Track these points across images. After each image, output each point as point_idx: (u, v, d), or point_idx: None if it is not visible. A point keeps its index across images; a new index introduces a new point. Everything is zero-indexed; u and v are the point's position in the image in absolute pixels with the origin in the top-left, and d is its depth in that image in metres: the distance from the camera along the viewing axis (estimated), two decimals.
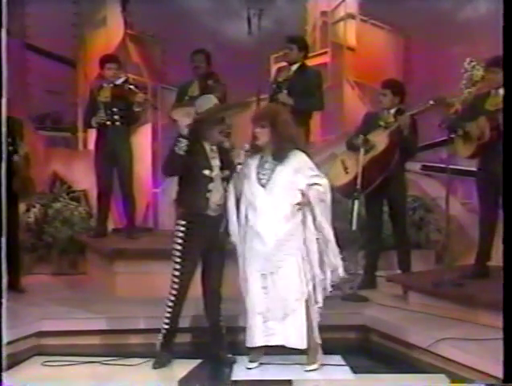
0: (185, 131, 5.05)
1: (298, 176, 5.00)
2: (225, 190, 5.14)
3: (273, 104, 6.54)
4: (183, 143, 5.02)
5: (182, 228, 5.15)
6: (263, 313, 4.95)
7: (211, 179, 5.11)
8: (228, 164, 5.17)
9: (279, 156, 5.01)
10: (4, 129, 4.52)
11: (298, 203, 4.94)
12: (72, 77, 9.28)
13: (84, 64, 9.14)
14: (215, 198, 5.12)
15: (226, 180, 5.15)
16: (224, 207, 5.12)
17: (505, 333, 4.10)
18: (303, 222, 5.00)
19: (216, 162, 5.17)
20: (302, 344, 4.97)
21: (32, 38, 9.10)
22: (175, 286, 5.15)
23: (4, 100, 4.46)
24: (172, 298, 5.17)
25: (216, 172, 5.14)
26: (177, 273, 5.14)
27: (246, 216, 5.01)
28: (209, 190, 5.10)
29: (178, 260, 5.14)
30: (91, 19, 9.27)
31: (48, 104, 9.47)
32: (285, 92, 6.89)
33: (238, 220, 5.06)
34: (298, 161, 5.04)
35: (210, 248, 5.16)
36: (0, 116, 4.45)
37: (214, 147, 5.20)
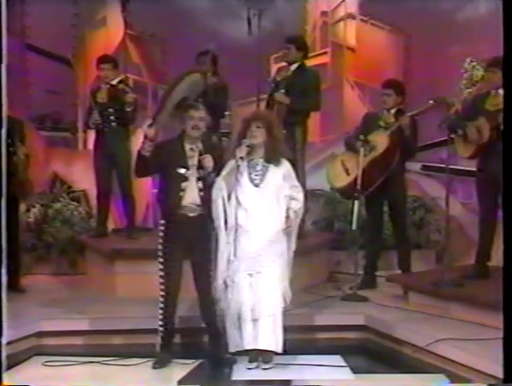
0: (149, 132, 5.09)
1: (284, 183, 5.06)
2: (201, 190, 5.10)
3: (265, 110, 6.56)
4: (147, 144, 5.06)
5: (162, 228, 5.19)
6: (249, 314, 4.93)
7: (185, 178, 5.10)
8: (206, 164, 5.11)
9: (273, 158, 5.06)
10: (4, 129, 4.50)
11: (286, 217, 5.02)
12: (71, 77, 9.28)
13: (83, 64, 9.14)
14: (189, 197, 5.10)
15: (202, 180, 5.10)
16: (205, 206, 5.07)
17: (505, 333, 4.10)
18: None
19: (193, 162, 5.14)
20: (278, 347, 4.94)
21: (32, 38, 9.10)
22: (162, 287, 5.17)
23: (4, 100, 4.45)
24: (162, 299, 5.18)
25: (191, 171, 5.12)
26: (162, 274, 5.17)
27: (235, 216, 4.98)
28: (182, 189, 5.09)
29: (161, 260, 5.17)
30: (91, 19, 9.28)
31: (48, 105, 9.47)
32: (282, 91, 6.90)
33: (225, 219, 5.01)
34: (286, 168, 5.11)
35: (194, 249, 5.15)
36: (0, 115, 4.44)
37: (194, 146, 5.17)
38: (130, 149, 7.44)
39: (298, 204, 5.07)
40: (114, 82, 7.42)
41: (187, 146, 5.18)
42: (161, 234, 5.18)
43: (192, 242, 5.12)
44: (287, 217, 5.01)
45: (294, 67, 7.05)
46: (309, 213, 7.14)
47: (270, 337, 4.92)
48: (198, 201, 5.11)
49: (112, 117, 7.33)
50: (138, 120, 7.50)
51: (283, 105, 6.79)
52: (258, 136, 5.03)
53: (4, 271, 4.32)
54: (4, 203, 4.42)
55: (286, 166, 5.12)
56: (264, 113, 5.40)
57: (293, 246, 5.12)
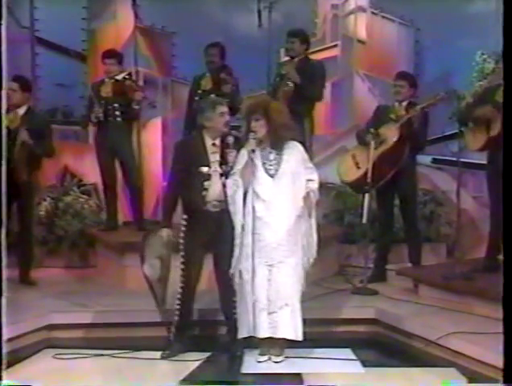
0: None
1: (300, 168, 5.04)
2: (224, 186, 5.08)
3: (262, 96, 6.50)
4: None
5: (184, 222, 5.20)
6: (266, 304, 4.95)
7: (208, 176, 5.10)
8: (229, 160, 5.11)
9: (278, 145, 5.02)
10: (4, 130, 4.50)
11: (306, 197, 4.98)
12: (82, 71, 9.29)
13: (94, 58, 9.13)
14: (212, 195, 5.10)
15: (225, 175, 5.08)
16: (226, 201, 5.04)
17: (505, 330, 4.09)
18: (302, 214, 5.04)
19: (216, 157, 5.14)
20: (298, 336, 4.97)
21: (42, 31, 9.11)
22: (181, 279, 5.22)
23: (4, 98, 4.44)
24: (179, 290, 5.24)
25: (214, 168, 5.12)
26: (182, 266, 5.21)
27: (253, 208, 4.97)
28: (205, 189, 5.09)
29: (181, 253, 5.21)
30: (101, 13, 9.27)
31: (59, 98, 9.47)
32: (292, 73, 6.91)
33: (244, 212, 4.99)
34: (299, 151, 5.08)
35: (216, 243, 5.15)
36: (0, 114, 4.44)
37: (217, 141, 5.18)
38: (132, 143, 7.47)
39: (314, 184, 5.05)
40: (119, 77, 7.41)
41: (209, 142, 5.17)
42: (183, 228, 5.20)
43: (214, 236, 5.13)
44: (310, 200, 4.97)
45: (297, 59, 7.05)
46: (319, 206, 7.13)
47: (289, 325, 4.94)
48: (222, 197, 5.10)
49: (117, 112, 7.33)
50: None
51: (289, 93, 6.81)
52: (259, 129, 4.98)
53: (4, 266, 4.32)
54: (5, 199, 4.43)
55: (299, 149, 5.09)
56: (258, 102, 5.17)
57: (314, 229, 5.09)
